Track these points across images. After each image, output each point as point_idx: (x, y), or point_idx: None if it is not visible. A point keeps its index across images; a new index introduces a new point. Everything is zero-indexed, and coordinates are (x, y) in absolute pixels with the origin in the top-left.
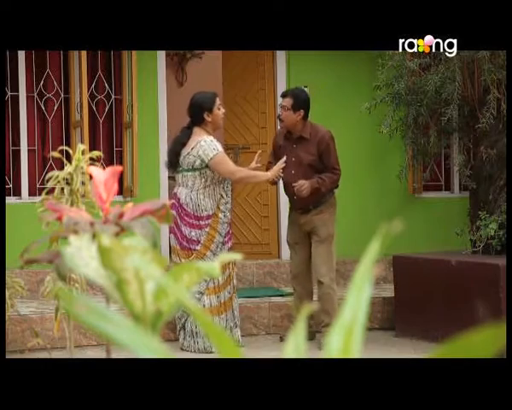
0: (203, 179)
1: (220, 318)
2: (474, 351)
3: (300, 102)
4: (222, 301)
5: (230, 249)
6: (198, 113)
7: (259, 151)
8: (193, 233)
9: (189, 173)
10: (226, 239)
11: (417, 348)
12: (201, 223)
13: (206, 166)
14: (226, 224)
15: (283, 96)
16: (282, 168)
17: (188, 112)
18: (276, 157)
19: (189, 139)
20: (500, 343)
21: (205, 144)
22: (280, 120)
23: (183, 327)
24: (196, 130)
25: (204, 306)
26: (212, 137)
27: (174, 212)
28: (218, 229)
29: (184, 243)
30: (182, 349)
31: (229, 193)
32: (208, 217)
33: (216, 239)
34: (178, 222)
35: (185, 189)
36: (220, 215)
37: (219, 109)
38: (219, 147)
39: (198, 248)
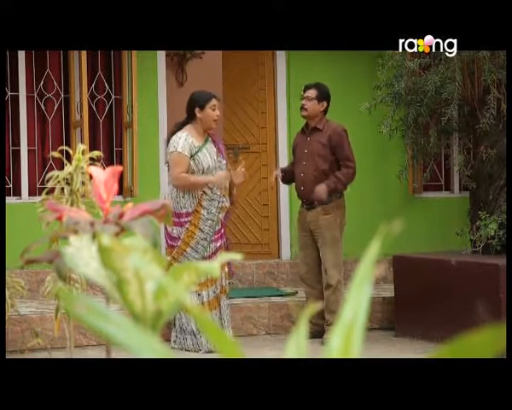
0: None
1: None
2: (474, 351)
3: (324, 94)
4: (204, 299)
5: (220, 249)
6: (190, 108)
7: (243, 163)
8: (174, 231)
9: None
10: (215, 237)
11: (417, 348)
12: (181, 220)
13: None
14: (210, 221)
15: (307, 88)
16: (294, 162)
17: (186, 108)
18: (294, 156)
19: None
20: (500, 344)
21: (175, 138)
22: (303, 109)
23: (174, 324)
24: (186, 126)
25: None
26: (185, 135)
27: None
28: (198, 225)
29: (169, 241)
30: (172, 348)
31: (215, 190)
32: (188, 214)
33: (196, 235)
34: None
35: (169, 186)
36: (202, 212)
37: (213, 110)
38: (181, 146)
39: (178, 243)
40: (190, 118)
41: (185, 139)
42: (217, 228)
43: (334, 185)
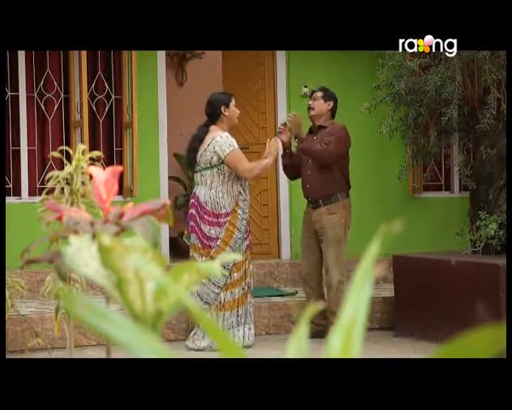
0: (221, 176)
1: (231, 313)
2: (474, 351)
3: (330, 94)
4: (236, 297)
5: (249, 246)
6: (215, 108)
7: (269, 140)
8: (212, 231)
9: (208, 172)
10: (246, 236)
11: (417, 348)
12: (220, 220)
13: (223, 162)
14: (245, 220)
15: (313, 92)
16: (301, 161)
17: (205, 110)
18: (298, 155)
19: (206, 136)
20: (500, 344)
21: (221, 140)
22: (310, 109)
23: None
24: (212, 127)
25: (220, 302)
26: (227, 134)
27: (194, 211)
28: (237, 225)
29: (205, 241)
30: (190, 349)
31: (247, 190)
32: (227, 214)
33: (235, 235)
34: (198, 221)
35: (204, 187)
36: (239, 212)
37: (235, 107)
38: (235, 143)
39: (218, 243)
40: (214, 119)
41: (232, 137)
42: (246, 226)
43: (304, 138)
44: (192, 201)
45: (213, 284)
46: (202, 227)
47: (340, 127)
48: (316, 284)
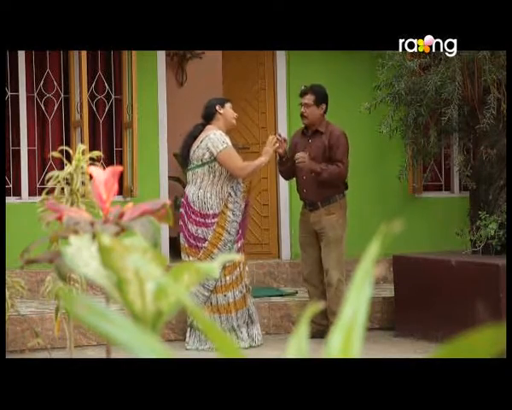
0: (211, 175)
1: (229, 316)
2: (474, 351)
3: (322, 96)
4: (230, 300)
5: (240, 249)
6: (210, 108)
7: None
8: (199, 231)
9: (199, 170)
10: (237, 238)
11: (417, 348)
12: (207, 221)
13: (215, 159)
14: (235, 222)
15: (303, 93)
16: (295, 167)
17: (202, 114)
18: (292, 154)
19: (200, 134)
20: (500, 344)
21: (214, 137)
22: (303, 117)
23: (191, 325)
24: (208, 126)
25: (211, 304)
26: (221, 132)
27: (183, 210)
28: (225, 227)
29: (192, 241)
30: (186, 349)
31: (238, 192)
32: (214, 215)
33: (224, 237)
34: (186, 220)
35: (193, 187)
36: (228, 213)
37: (231, 108)
38: (228, 141)
39: (205, 245)
40: (210, 119)
41: (226, 135)
42: (238, 228)
43: (320, 169)
44: (182, 200)
45: (203, 286)
46: (189, 227)
47: (338, 134)
48: (318, 282)
